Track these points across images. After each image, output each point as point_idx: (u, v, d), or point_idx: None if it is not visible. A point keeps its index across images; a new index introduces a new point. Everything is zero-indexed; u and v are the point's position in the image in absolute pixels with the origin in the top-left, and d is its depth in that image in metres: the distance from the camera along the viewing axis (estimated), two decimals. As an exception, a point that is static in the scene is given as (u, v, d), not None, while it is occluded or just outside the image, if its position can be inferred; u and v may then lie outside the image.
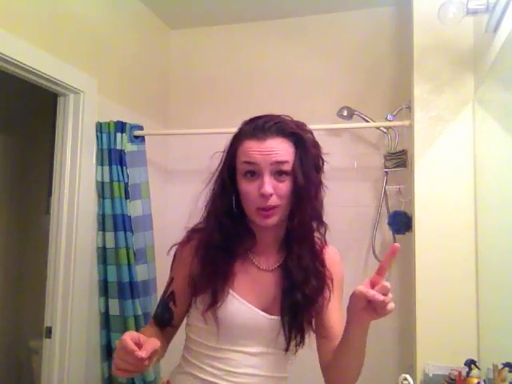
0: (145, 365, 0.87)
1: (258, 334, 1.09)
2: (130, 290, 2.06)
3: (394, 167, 2.19)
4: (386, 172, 2.27)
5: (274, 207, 1.03)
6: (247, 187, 1.03)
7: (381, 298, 0.87)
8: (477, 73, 1.73)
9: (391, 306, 0.89)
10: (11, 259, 2.99)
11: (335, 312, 1.18)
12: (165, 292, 1.16)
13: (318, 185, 1.09)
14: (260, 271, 1.12)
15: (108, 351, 2.10)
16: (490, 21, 1.42)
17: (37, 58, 1.78)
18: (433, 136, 1.80)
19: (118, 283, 2.06)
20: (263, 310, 1.08)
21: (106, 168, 2.10)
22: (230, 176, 1.08)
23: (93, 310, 2.07)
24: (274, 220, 1.04)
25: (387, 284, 0.88)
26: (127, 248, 2.07)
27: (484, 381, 1.47)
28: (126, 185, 2.11)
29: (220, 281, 1.07)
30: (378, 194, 2.38)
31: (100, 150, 2.12)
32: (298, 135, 1.07)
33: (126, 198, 2.11)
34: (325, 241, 1.16)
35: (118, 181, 2.09)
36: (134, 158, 2.16)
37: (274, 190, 1.01)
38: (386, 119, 2.24)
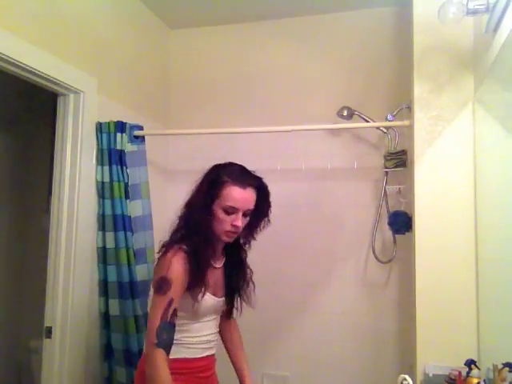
0: None
1: (215, 310, 1.62)
2: (130, 290, 2.05)
3: (394, 167, 2.19)
4: (386, 172, 2.27)
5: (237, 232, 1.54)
6: (224, 218, 1.49)
7: None
8: (477, 73, 1.73)
9: None
10: (11, 259, 2.99)
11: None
12: (164, 316, 1.41)
13: (264, 219, 1.60)
14: (214, 269, 1.58)
15: (108, 351, 2.10)
16: (490, 21, 1.42)
17: (37, 58, 1.78)
18: (433, 136, 1.80)
19: (118, 283, 2.06)
20: (215, 295, 1.57)
21: (106, 168, 2.10)
22: (211, 201, 1.50)
23: (93, 310, 2.07)
24: (232, 239, 1.56)
25: None
26: (127, 248, 2.07)
27: (484, 381, 1.46)
28: (126, 185, 2.11)
29: (203, 287, 1.50)
30: (378, 193, 2.38)
31: (100, 150, 2.12)
32: (262, 189, 1.55)
33: (126, 198, 2.11)
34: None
35: (118, 181, 2.09)
36: (134, 157, 2.16)
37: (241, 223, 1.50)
38: (386, 119, 2.23)
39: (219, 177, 1.51)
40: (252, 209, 1.52)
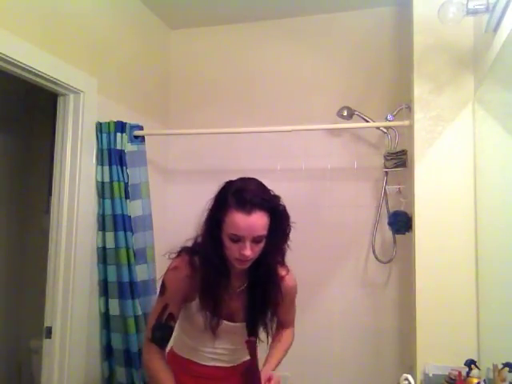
0: None
1: (229, 332, 1.51)
2: (130, 290, 2.05)
3: (394, 167, 2.19)
4: (386, 172, 2.27)
5: (249, 260, 1.37)
6: (231, 246, 1.35)
7: None
8: (477, 73, 1.73)
9: None
10: (11, 259, 2.99)
11: (284, 313, 1.60)
12: (159, 317, 1.43)
13: (283, 243, 1.43)
14: (229, 292, 1.47)
15: (108, 351, 2.10)
16: (490, 21, 1.42)
17: (37, 58, 1.77)
18: (433, 136, 1.80)
19: (118, 283, 2.06)
20: (231, 320, 1.48)
21: (106, 168, 2.10)
22: (217, 227, 1.36)
23: (93, 310, 2.07)
24: (247, 266, 1.40)
25: None
26: (127, 248, 2.07)
27: (484, 381, 1.46)
28: (126, 185, 2.11)
29: (216, 310, 1.44)
30: (377, 194, 2.38)
31: (100, 150, 2.12)
32: (276, 210, 1.37)
33: (126, 198, 2.11)
34: (287, 270, 1.53)
35: (118, 181, 2.09)
36: (134, 157, 2.16)
37: (251, 251, 1.33)
38: (386, 119, 2.23)
39: (225, 198, 1.34)
40: (263, 234, 1.34)
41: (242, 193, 1.32)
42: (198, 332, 1.49)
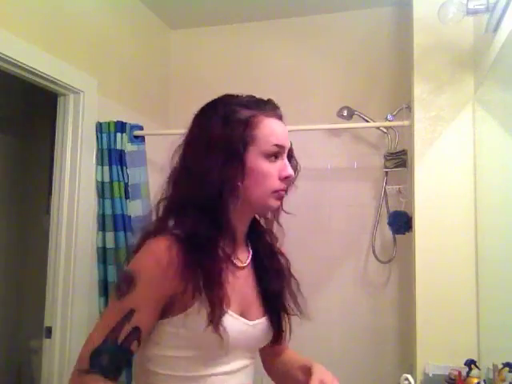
0: None
1: (249, 343, 0.94)
2: (130, 290, 2.05)
3: (394, 167, 2.19)
4: (386, 172, 2.27)
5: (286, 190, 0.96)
6: (269, 170, 0.92)
7: None
8: (477, 73, 1.73)
9: None
10: (11, 259, 2.99)
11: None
12: (112, 333, 0.83)
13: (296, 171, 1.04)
14: (237, 269, 0.95)
15: (108, 351, 2.10)
16: (490, 21, 1.42)
17: (37, 58, 1.78)
18: (433, 136, 1.80)
19: (118, 283, 2.06)
20: (245, 316, 0.93)
21: (106, 168, 2.10)
22: (242, 154, 0.92)
23: (93, 310, 2.07)
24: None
25: None
26: (127, 248, 2.07)
27: (484, 381, 1.47)
28: (126, 185, 2.12)
29: (221, 299, 0.86)
30: (377, 194, 2.38)
31: (100, 150, 2.12)
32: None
33: (126, 198, 2.11)
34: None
35: (118, 181, 2.09)
36: (134, 157, 2.16)
37: None
38: (386, 119, 2.24)
39: (240, 111, 0.95)
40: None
41: (255, 98, 0.99)
42: (194, 368, 0.89)
